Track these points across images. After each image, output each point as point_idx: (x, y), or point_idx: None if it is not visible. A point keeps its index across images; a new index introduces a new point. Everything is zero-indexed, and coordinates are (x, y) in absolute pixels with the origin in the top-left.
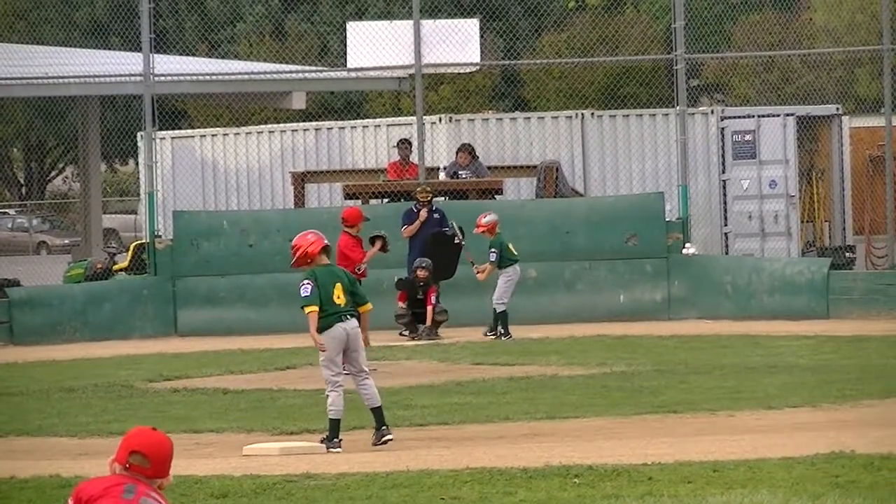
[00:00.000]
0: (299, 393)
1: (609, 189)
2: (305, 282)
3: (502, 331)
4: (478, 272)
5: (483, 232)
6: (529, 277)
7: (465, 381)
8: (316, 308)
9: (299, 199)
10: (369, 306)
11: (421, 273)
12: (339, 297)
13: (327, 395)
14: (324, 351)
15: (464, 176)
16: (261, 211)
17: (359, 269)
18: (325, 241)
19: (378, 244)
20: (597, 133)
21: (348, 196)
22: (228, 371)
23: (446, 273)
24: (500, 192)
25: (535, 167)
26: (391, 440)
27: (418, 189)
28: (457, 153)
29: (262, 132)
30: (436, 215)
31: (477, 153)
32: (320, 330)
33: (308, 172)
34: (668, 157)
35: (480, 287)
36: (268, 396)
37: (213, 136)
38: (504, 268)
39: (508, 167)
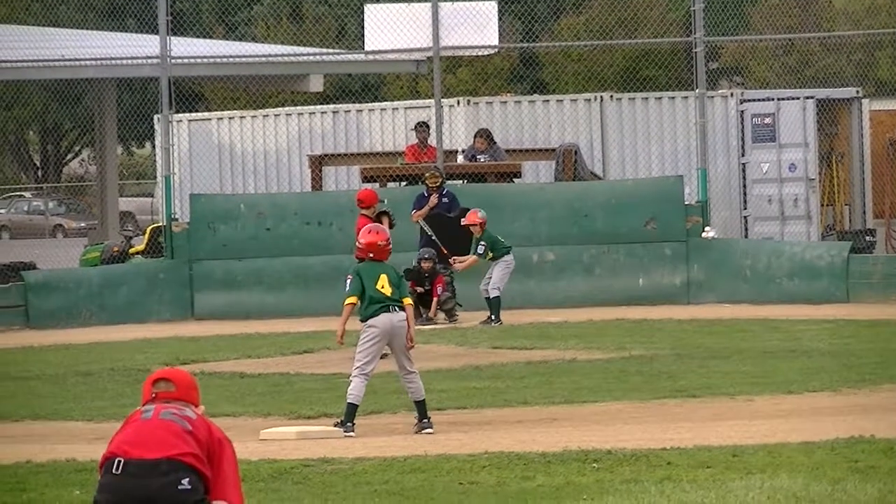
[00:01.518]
0: (316, 377)
1: (628, 172)
2: (348, 276)
3: (493, 316)
4: (457, 262)
5: (473, 226)
6: (547, 261)
7: (483, 365)
8: (352, 300)
9: (316, 183)
10: (409, 300)
11: (425, 265)
12: (383, 287)
13: (350, 380)
14: (341, 344)
15: (482, 159)
16: (278, 194)
17: None
18: (378, 241)
19: (385, 220)
20: (615, 116)
21: (366, 179)
22: (245, 355)
23: (461, 250)
24: (518, 175)
25: (553, 150)
26: (430, 433)
27: (427, 174)
28: (474, 138)
29: (279, 115)
30: (445, 199)
31: (494, 138)
32: (364, 318)
33: (325, 155)
34: (688, 140)
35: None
36: (285, 381)
37: (230, 118)
38: (499, 258)
39: (527, 150)
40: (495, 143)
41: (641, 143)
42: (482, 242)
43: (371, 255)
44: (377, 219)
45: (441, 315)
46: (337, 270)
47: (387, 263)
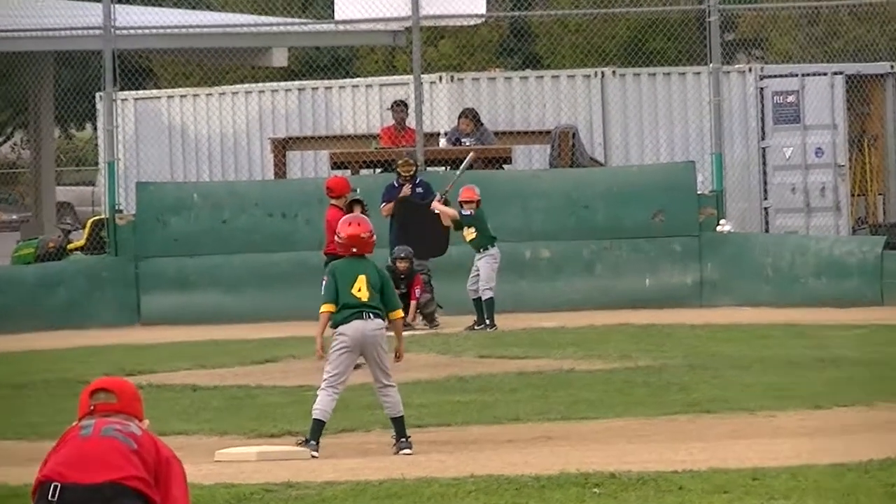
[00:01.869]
0: (280, 390)
1: (633, 158)
2: (324, 278)
3: (488, 321)
4: (440, 199)
5: (469, 203)
6: (542, 258)
7: (468, 376)
8: (328, 307)
9: (280, 169)
10: (400, 313)
11: (401, 264)
12: (359, 290)
13: (317, 393)
14: (321, 358)
15: (468, 143)
16: (236, 182)
17: None
18: (361, 233)
19: (357, 209)
20: (619, 94)
21: (336, 165)
22: (199, 365)
23: (435, 249)
24: (508, 160)
25: (548, 133)
26: (409, 454)
27: (400, 161)
28: (458, 119)
29: (237, 93)
30: (419, 189)
31: (482, 119)
32: (336, 325)
33: (290, 139)
34: (700, 121)
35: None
36: (244, 394)
37: (182, 97)
38: (485, 249)
39: (518, 133)
40: (482, 124)
41: (648, 124)
42: (471, 212)
43: (354, 249)
44: (349, 209)
45: (420, 319)
46: (303, 268)
47: (369, 260)
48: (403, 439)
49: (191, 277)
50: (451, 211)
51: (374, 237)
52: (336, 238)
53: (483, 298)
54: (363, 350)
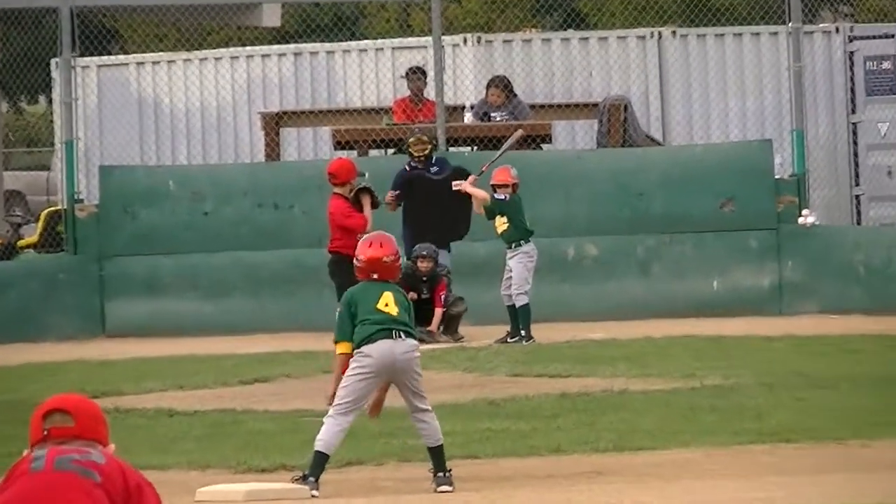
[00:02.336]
0: (272, 416)
1: (697, 136)
2: (338, 309)
3: (523, 332)
4: (473, 180)
5: (504, 188)
6: (588, 256)
7: (500, 398)
8: (344, 347)
9: (272, 150)
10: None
11: (423, 265)
12: (387, 305)
13: (324, 420)
14: (330, 405)
15: (498, 119)
16: (220, 166)
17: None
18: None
19: (367, 199)
20: (680, 59)
21: (340, 145)
22: (175, 385)
23: (455, 232)
24: (547, 139)
25: (595, 106)
26: (448, 491)
27: (412, 139)
28: (487, 89)
29: (221, 59)
30: (434, 168)
31: (515, 89)
32: (358, 344)
33: (284, 113)
34: (778, 91)
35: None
36: (229, 420)
37: (154, 64)
38: (517, 245)
39: (559, 106)
40: (516, 95)
41: (715, 95)
42: (505, 196)
43: (374, 275)
44: (355, 199)
45: (440, 331)
46: (300, 269)
47: (393, 285)
48: (442, 473)
49: (165, 280)
50: (483, 193)
51: (400, 260)
52: (355, 261)
53: (517, 305)
54: (392, 377)
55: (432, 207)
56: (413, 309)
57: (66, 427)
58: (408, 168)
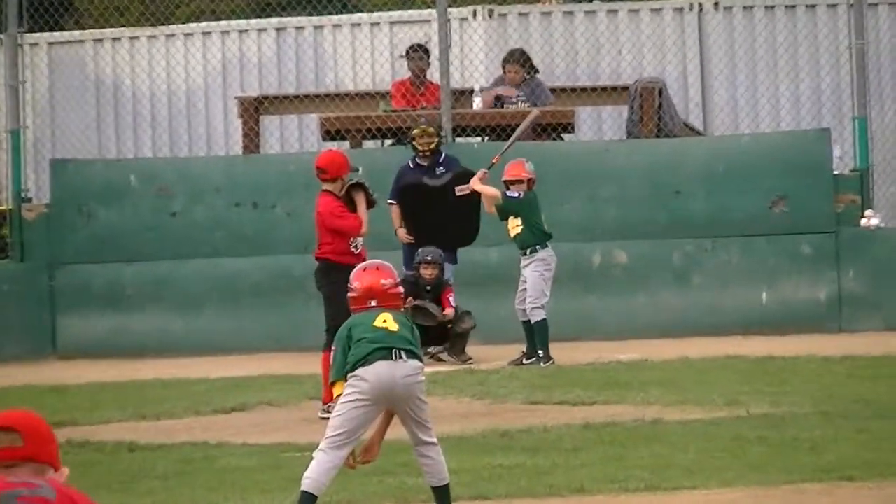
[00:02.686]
0: (251, 450)
1: (743, 124)
2: (332, 347)
3: (541, 352)
4: (483, 174)
5: (518, 184)
6: (616, 264)
7: (514, 429)
8: (340, 386)
9: (251, 141)
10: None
11: (426, 272)
12: (384, 322)
13: (313, 455)
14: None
15: (515, 103)
16: (191, 159)
17: (355, 247)
18: (382, 281)
19: (361, 197)
20: (723, 35)
21: (329, 135)
22: (138, 414)
23: (461, 240)
24: (569, 128)
25: (625, 90)
26: None
27: (416, 131)
28: (503, 65)
29: (191, 35)
30: (441, 169)
31: (536, 67)
32: (353, 367)
33: (265, 98)
34: (837, 73)
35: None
36: (201, 455)
37: (114, 41)
38: (532, 251)
39: (583, 90)
40: (537, 73)
41: (764, 77)
42: (519, 194)
43: (372, 302)
44: (347, 196)
45: (444, 348)
46: (283, 279)
47: (394, 311)
48: None
49: (127, 292)
50: (493, 191)
51: (400, 287)
52: (350, 290)
53: (532, 321)
54: (392, 405)
55: (432, 218)
56: (416, 330)
57: (15, 448)
58: (411, 164)
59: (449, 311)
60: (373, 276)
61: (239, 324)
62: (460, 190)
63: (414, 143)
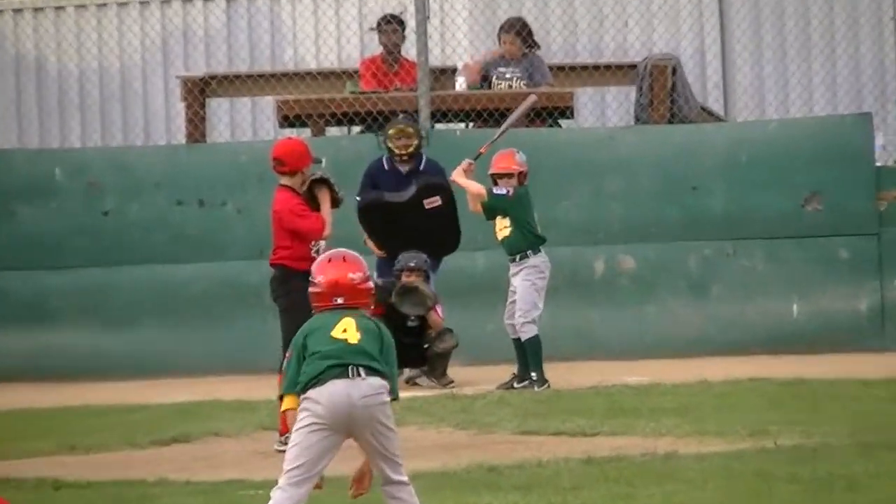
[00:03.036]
0: (196, 488)
1: (770, 108)
2: (287, 353)
3: (534, 374)
4: (467, 165)
5: (507, 178)
6: (623, 272)
7: (504, 464)
8: (292, 401)
9: (196, 128)
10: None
11: (409, 279)
12: (344, 331)
13: (271, 494)
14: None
15: (508, 76)
16: (126, 149)
17: (317, 252)
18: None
19: (325, 194)
20: (747, 5)
21: (287, 121)
22: (66, 446)
23: (444, 246)
24: (568, 112)
25: (633, 68)
26: None
27: (392, 130)
28: (499, 35)
29: (126, 4)
30: (415, 183)
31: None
32: (304, 387)
33: (212, 78)
34: (879, 48)
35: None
36: (137, 494)
37: (35, 12)
38: (523, 257)
39: (584, 68)
40: (537, 47)
41: (794, 53)
42: (508, 190)
43: (338, 300)
44: (309, 193)
45: (420, 372)
46: (233, 288)
47: (361, 312)
48: None
49: (53, 304)
50: (478, 186)
51: (370, 282)
52: (311, 285)
53: (523, 338)
54: (350, 430)
55: (400, 235)
56: (387, 339)
57: None
58: (385, 165)
59: (438, 320)
60: (339, 268)
61: (183, 341)
62: (430, 203)
63: (389, 144)
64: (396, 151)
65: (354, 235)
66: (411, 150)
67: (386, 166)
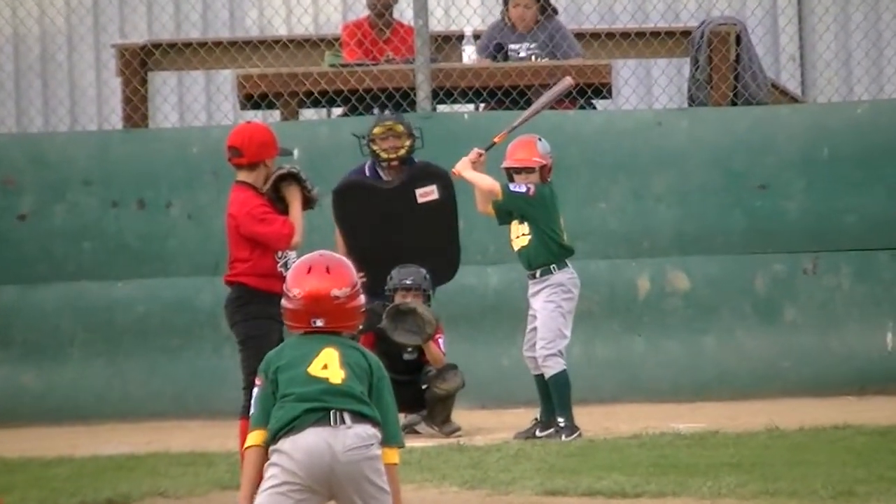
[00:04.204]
0: None
1: (859, 86)
2: (257, 379)
3: (561, 420)
4: (477, 155)
5: (527, 172)
6: (674, 292)
7: None
8: (258, 435)
9: (135, 109)
10: (395, 454)
11: (406, 301)
12: (325, 368)
13: None
14: None
15: (521, 54)
16: (47, 136)
17: (284, 266)
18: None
19: (295, 193)
20: None
21: (250, 101)
22: None
23: (438, 270)
24: (604, 90)
25: (686, 35)
26: None
27: (377, 127)
28: (506, 2)
29: None
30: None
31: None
32: (275, 436)
33: (156, 47)
34: None
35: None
36: None
37: None
38: (546, 273)
39: (624, 36)
40: (556, 14)
41: (889, 18)
42: (530, 191)
43: (317, 321)
44: (274, 190)
45: (420, 418)
46: (184, 314)
47: (345, 339)
48: None
49: None
50: (490, 181)
51: (361, 298)
52: (284, 300)
53: (546, 375)
54: (332, 490)
55: (384, 243)
56: (377, 368)
57: None
58: (368, 171)
59: (439, 354)
60: (320, 280)
61: (118, 377)
62: (424, 194)
63: (373, 146)
64: (383, 155)
65: (332, 245)
66: (402, 153)
67: (368, 172)
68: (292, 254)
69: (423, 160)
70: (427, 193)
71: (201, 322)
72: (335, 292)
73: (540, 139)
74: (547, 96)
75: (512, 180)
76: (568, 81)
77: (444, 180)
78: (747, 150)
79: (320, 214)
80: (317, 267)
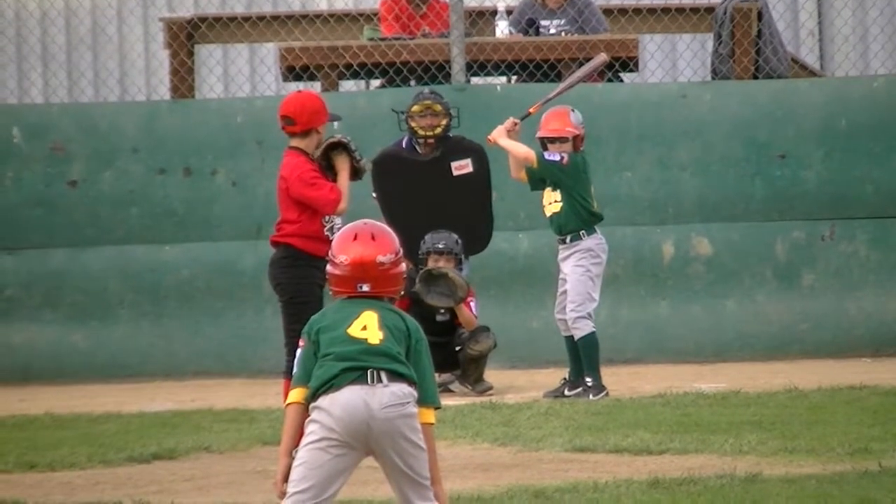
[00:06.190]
0: None
1: (876, 60)
2: (300, 340)
3: (589, 379)
4: (512, 125)
5: (561, 142)
6: (697, 257)
7: (552, 487)
8: (300, 392)
9: (182, 81)
10: (432, 414)
11: (438, 265)
12: (364, 329)
13: None
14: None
15: (552, 30)
16: (97, 106)
17: (330, 230)
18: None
19: (344, 162)
20: None
21: (292, 73)
22: (25, 463)
23: (470, 240)
24: (631, 64)
25: (710, 11)
26: None
27: (416, 105)
28: None
29: None
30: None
31: None
32: (315, 394)
33: (202, 21)
34: None
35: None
36: None
37: None
38: (575, 238)
39: (651, 11)
40: None
41: None
42: (563, 159)
43: (363, 286)
44: (324, 158)
45: (454, 377)
46: (228, 276)
47: (385, 303)
48: None
49: (7, 292)
50: (525, 149)
51: (404, 265)
52: (329, 265)
53: (576, 337)
54: (369, 446)
55: (419, 222)
56: (417, 332)
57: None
58: (404, 145)
59: (471, 317)
60: (366, 247)
61: (164, 337)
62: (459, 167)
63: (411, 123)
64: (420, 132)
65: (375, 215)
66: (438, 131)
67: (405, 146)
68: (338, 219)
69: (458, 134)
70: (462, 167)
71: (244, 284)
72: (380, 258)
73: (573, 110)
74: (582, 71)
75: (546, 149)
76: (603, 57)
77: (478, 154)
78: (768, 122)
79: (364, 185)
80: (362, 234)
